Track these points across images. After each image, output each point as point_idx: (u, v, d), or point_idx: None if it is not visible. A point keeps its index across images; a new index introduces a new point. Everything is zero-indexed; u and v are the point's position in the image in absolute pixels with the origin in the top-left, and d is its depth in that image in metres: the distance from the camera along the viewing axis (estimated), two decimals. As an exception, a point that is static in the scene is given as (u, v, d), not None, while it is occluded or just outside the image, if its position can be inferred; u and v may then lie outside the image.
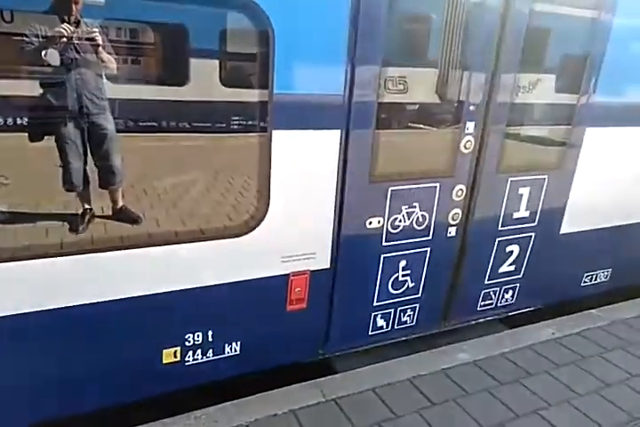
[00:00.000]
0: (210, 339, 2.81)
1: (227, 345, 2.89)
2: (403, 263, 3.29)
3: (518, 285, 3.92)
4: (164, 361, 2.73)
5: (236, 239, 2.65)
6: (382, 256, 3.20)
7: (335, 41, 2.55)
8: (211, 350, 2.85)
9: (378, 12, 2.61)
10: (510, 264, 3.78)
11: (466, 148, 3.21)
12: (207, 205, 2.76)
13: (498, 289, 3.84)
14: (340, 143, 2.75)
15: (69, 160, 2.48)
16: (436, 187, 3.20)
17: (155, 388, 2.76)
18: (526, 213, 3.65)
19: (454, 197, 3.30)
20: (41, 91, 2.39)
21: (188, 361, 2.80)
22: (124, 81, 2.66)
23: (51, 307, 2.33)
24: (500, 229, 3.58)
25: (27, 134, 2.35)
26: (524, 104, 3.48)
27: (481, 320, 3.93)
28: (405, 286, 3.38)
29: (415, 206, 3.16)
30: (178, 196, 2.73)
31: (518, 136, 3.53)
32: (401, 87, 2.99)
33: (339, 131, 2.73)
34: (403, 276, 3.33)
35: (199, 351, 2.81)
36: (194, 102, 2.86)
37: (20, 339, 2.33)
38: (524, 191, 3.55)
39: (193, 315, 2.72)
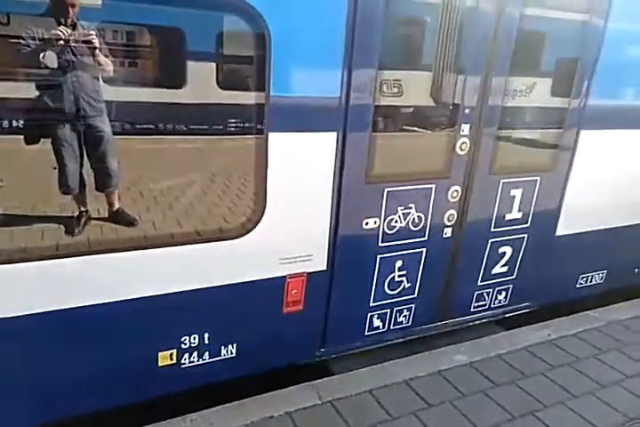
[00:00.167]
0: (206, 341, 2.81)
1: (223, 347, 2.89)
2: (399, 264, 3.30)
3: (511, 286, 3.94)
4: (160, 364, 2.73)
5: (232, 241, 2.66)
6: (378, 257, 3.21)
7: (332, 44, 2.57)
8: (207, 353, 2.85)
9: (374, 15, 2.63)
10: (503, 265, 3.80)
11: (461, 149, 3.23)
12: (204, 207, 2.77)
13: (491, 290, 3.86)
14: (337, 145, 2.77)
15: (65, 163, 2.48)
16: (431, 188, 3.21)
17: (150, 391, 2.75)
18: (519, 215, 3.67)
19: (450, 198, 3.32)
20: (37, 93, 2.39)
21: (184, 364, 2.80)
22: (121, 83, 2.66)
23: (44, 310, 2.33)
24: (492, 230, 3.60)
25: (22, 137, 2.35)
26: (519, 107, 3.50)
27: (476, 322, 3.94)
28: (401, 286, 3.39)
29: (411, 207, 3.18)
30: (174, 198, 2.73)
31: (514, 139, 3.55)
32: (396, 90, 3.01)
33: (335, 133, 2.74)
34: (399, 276, 3.35)
35: (195, 354, 2.81)
36: (191, 105, 2.87)
37: (13, 341, 2.32)
38: (517, 193, 3.57)
39: (189, 317, 2.72)
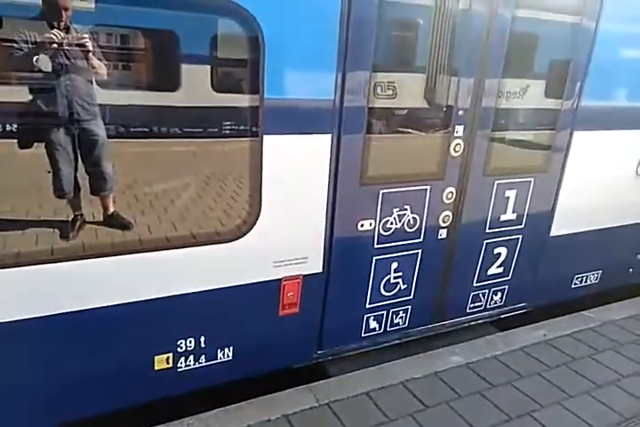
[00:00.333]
0: (202, 345, 2.80)
1: (219, 351, 2.88)
2: (394, 265, 3.31)
3: (507, 287, 3.95)
4: (157, 367, 2.72)
5: (227, 244, 2.65)
6: (374, 259, 3.21)
7: (325, 46, 2.57)
8: (203, 356, 2.84)
9: (368, 17, 2.64)
10: (498, 266, 3.81)
11: (455, 151, 3.24)
12: (199, 210, 2.76)
13: (486, 291, 3.87)
14: (331, 148, 2.77)
15: (60, 167, 2.47)
16: (426, 189, 3.22)
17: (146, 394, 2.74)
18: (513, 216, 3.68)
19: (444, 199, 3.33)
20: (31, 97, 2.38)
21: (181, 367, 2.79)
22: (115, 87, 2.66)
23: (39, 315, 2.31)
24: (487, 231, 3.62)
25: (16, 141, 2.34)
26: (513, 109, 3.52)
27: (472, 323, 3.95)
28: (397, 287, 3.40)
29: (406, 209, 3.19)
30: (169, 201, 2.73)
31: (508, 140, 3.57)
32: (390, 92, 3.02)
33: (329, 135, 2.74)
34: (395, 278, 3.35)
35: (191, 357, 2.80)
36: (185, 108, 2.87)
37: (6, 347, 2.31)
38: (511, 194, 3.58)
39: (185, 321, 2.71)
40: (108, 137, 2.54)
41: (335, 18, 2.55)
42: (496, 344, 3.79)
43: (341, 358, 3.42)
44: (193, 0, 2.36)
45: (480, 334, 3.92)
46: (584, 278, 4.41)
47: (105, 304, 2.44)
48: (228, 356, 2.91)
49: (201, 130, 2.85)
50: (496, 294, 3.93)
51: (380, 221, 3.12)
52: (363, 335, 3.43)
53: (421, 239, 3.34)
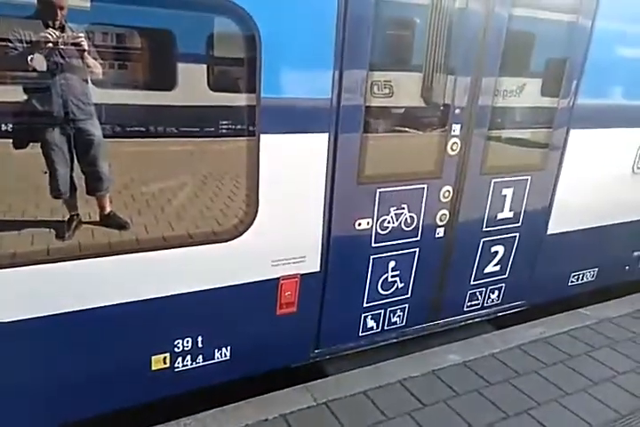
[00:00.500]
0: (200, 344, 2.80)
1: (217, 351, 2.87)
2: (392, 264, 3.31)
3: (504, 285, 3.96)
4: (154, 368, 2.71)
5: (224, 244, 2.65)
6: (372, 257, 3.21)
7: (322, 45, 2.57)
8: (200, 356, 2.83)
9: (364, 16, 2.63)
10: (495, 265, 3.82)
11: (452, 149, 3.24)
12: (196, 209, 2.75)
13: (484, 289, 3.88)
14: (329, 147, 2.76)
15: (56, 167, 2.45)
16: (423, 188, 3.22)
17: (143, 395, 2.73)
18: (510, 214, 3.69)
19: (442, 198, 3.33)
20: (25, 96, 2.37)
21: (178, 367, 2.78)
22: (111, 86, 2.64)
23: (35, 315, 2.30)
24: (484, 229, 3.62)
25: (11, 141, 2.33)
26: (509, 107, 3.52)
27: (470, 321, 3.95)
28: (395, 286, 3.40)
29: (404, 208, 3.19)
30: (166, 201, 2.72)
31: (504, 138, 3.57)
32: (386, 91, 3.01)
33: (327, 134, 2.74)
34: (392, 277, 3.35)
35: (189, 357, 2.80)
36: (182, 107, 2.85)
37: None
38: (508, 192, 3.59)
39: (182, 321, 2.71)
40: (104, 137, 2.52)
41: (332, 17, 2.54)
42: (493, 342, 3.81)
43: (339, 357, 3.42)
44: None
45: (477, 333, 3.93)
46: (581, 276, 4.43)
47: (101, 304, 2.43)
48: (225, 356, 2.90)
49: (197, 129, 2.83)
50: (493, 293, 3.94)
51: (377, 220, 3.12)
52: (360, 334, 3.43)
53: (419, 238, 3.34)
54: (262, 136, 2.53)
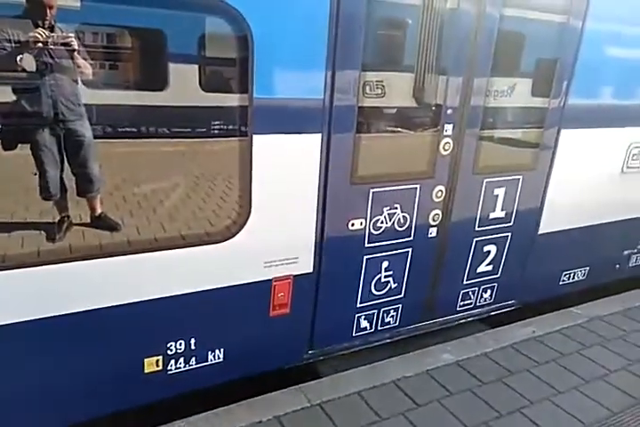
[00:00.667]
0: (192, 347, 2.78)
1: (210, 353, 2.86)
2: (385, 264, 3.31)
3: (496, 284, 3.98)
4: (146, 370, 2.69)
5: (217, 245, 2.63)
6: (365, 258, 3.21)
7: (315, 46, 2.56)
8: (193, 358, 2.82)
9: (356, 17, 2.63)
10: (488, 264, 3.83)
11: (445, 149, 3.25)
12: (188, 211, 2.74)
13: (476, 289, 3.89)
14: (321, 147, 2.76)
15: (46, 168, 2.43)
16: (416, 188, 3.23)
17: (136, 398, 2.71)
18: (502, 214, 3.71)
19: (434, 197, 3.33)
20: (14, 97, 2.34)
21: (171, 370, 2.76)
22: (102, 86, 2.62)
23: (26, 319, 2.28)
24: (477, 229, 3.63)
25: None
26: (501, 107, 3.54)
27: (462, 320, 3.97)
28: (388, 286, 3.40)
29: (397, 208, 3.19)
30: (158, 202, 2.70)
31: (496, 138, 3.59)
32: (379, 91, 3.01)
33: (319, 135, 2.73)
34: (385, 277, 3.35)
35: (182, 360, 2.78)
36: (173, 107, 2.83)
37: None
38: (500, 192, 3.61)
39: (175, 323, 2.69)
40: (95, 137, 2.50)
41: (324, 17, 2.53)
42: (486, 342, 3.82)
43: (333, 358, 3.42)
44: None
45: (470, 332, 3.95)
46: (572, 275, 4.46)
47: (92, 307, 2.41)
48: (218, 358, 2.89)
49: (189, 130, 2.82)
50: (485, 292, 3.96)
51: (370, 221, 3.12)
52: (354, 335, 3.43)
53: (412, 238, 3.35)
54: (255, 137, 2.52)
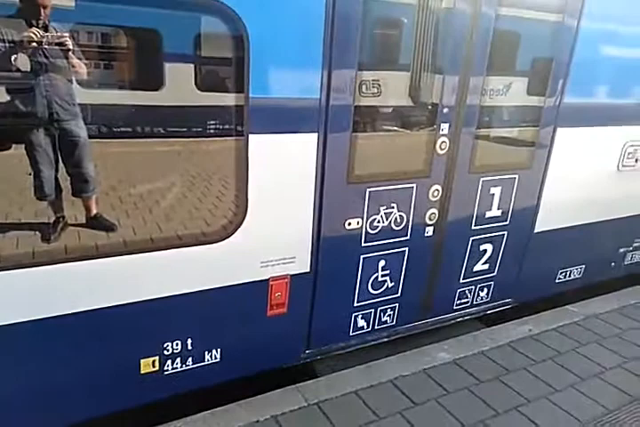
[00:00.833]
0: (189, 347, 2.77)
1: (207, 353, 2.85)
2: (382, 263, 3.31)
3: (493, 283, 3.99)
4: (142, 371, 2.68)
5: (213, 245, 2.63)
6: (362, 257, 3.21)
7: (311, 45, 2.55)
8: (190, 359, 2.81)
9: (353, 16, 2.63)
10: (484, 263, 3.84)
11: (441, 148, 3.25)
12: (184, 211, 2.73)
13: (473, 287, 3.90)
14: (318, 146, 2.75)
15: (40, 168, 2.42)
16: (412, 187, 3.23)
17: (132, 399, 2.70)
18: (498, 213, 3.72)
19: (430, 197, 3.34)
20: (8, 97, 2.32)
21: (167, 370, 2.76)
22: (97, 86, 2.61)
23: (21, 320, 2.26)
24: (473, 228, 3.64)
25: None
26: (497, 106, 3.55)
27: (459, 319, 3.98)
28: (385, 285, 3.40)
29: (393, 207, 3.19)
30: (154, 202, 2.69)
31: (492, 137, 3.59)
32: (375, 90, 3.01)
33: (316, 134, 2.73)
34: (382, 276, 3.36)
35: (178, 360, 2.77)
36: (169, 107, 2.82)
37: None
38: (496, 191, 3.61)
39: (171, 323, 2.68)
40: (90, 137, 2.49)
41: (320, 16, 2.53)
42: (483, 340, 3.83)
43: (330, 357, 3.42)
44: None
45: (467, 331, 3.95)
46: (568, 273, 4.47)
47: (87, 308, 2.40)
48: (215, 358, 2.88)
49: (185, 129, 2.81)
50: (482, 291, 3.97)
51: (367, 220, 3.12)
52: (351, 334, 3.43)
53: (408, 237, 3.35)
54: (251, 136, 2.51)
